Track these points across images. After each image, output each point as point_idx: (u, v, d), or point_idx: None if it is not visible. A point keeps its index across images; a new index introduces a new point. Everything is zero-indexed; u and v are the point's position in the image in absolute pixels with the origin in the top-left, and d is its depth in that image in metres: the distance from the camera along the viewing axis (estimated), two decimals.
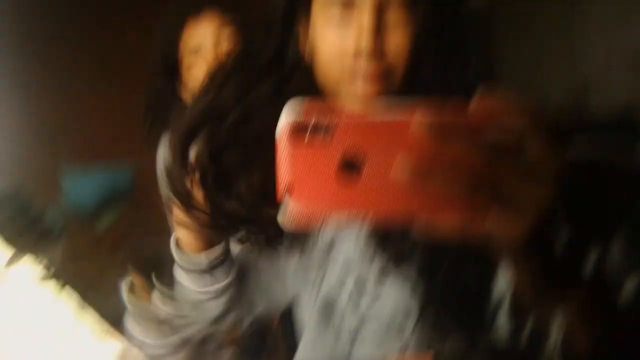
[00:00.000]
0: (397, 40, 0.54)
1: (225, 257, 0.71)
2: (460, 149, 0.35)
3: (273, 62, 0.61)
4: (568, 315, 0.43)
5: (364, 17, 0.53)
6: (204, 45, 1.02)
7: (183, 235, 0.69)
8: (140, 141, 1.15)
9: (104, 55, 2.39)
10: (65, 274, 1.21)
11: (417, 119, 0.36)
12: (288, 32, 0.60)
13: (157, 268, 0.73)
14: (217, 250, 0.69)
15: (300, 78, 0.60)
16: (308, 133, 0.37)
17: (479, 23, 0.59)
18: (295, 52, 0.60)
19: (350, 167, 0.37)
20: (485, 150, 0.35)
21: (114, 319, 0.91)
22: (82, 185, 1.52)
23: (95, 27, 2.39)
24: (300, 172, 0.38)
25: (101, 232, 1.36)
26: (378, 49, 0.53)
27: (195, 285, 0.70)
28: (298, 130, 0.37)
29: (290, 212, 0.38)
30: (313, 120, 0.37)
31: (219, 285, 0.70)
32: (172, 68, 1.07)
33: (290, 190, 0.38)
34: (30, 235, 1.23)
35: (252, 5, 0.96)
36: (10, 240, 1.09)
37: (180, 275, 0.71)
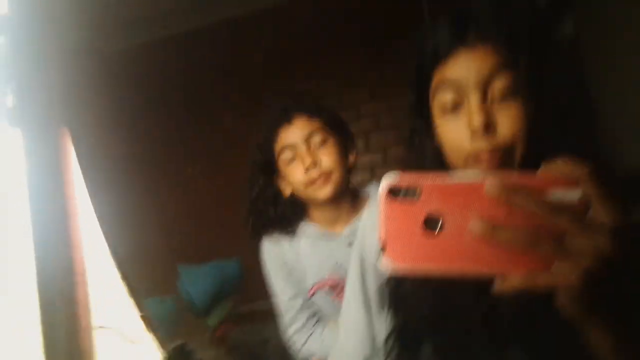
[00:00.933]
0: (507, 116, 0.60)
1: None
2: (525, 208, 0.41)
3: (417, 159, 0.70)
4: None
5: (471, 99, 0.61)
6: (296, 143, 1.14)
7: None
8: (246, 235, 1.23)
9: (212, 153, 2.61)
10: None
11: (489, 181, 0.42)
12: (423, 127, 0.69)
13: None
14: None
15: (438, 166, 0.67)
16: (400, 195, 0.45)
17: (581, 94, 0.63)
18: (433, 146, 0.67)
19: (433, 224, 0.44)
20: (548, 209, 0.41)
21: None
22: (196, 281, 1.60)
23: (203, 121, 2.64)
24: (393, 228, 0.45)
25: (213, 325, 1.38)
26: (488, 125, 0.60)
27: None
28: (393, 192, 0.45)
29: (386, 264, 0.44)
30: (404, 184, 0.45)
31: None
32: (270, 166, 1.19)
33: (384, 246, 0.45)
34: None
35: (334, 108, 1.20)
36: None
37: None
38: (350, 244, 1.11)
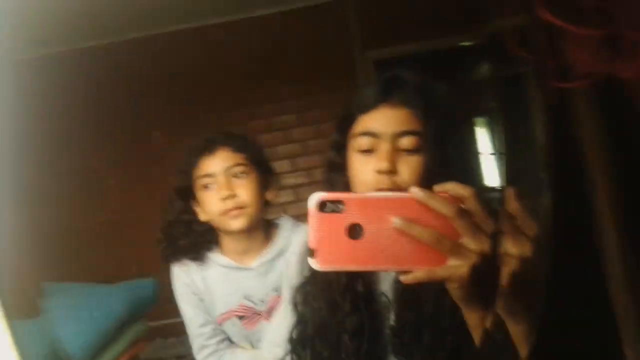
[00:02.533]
0: (407, 165, 0.76)
1: None
2: (438, 210, 0.54)
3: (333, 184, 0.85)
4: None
5: (382, 147, 0.76)
6: (215, 173, 1.16)
7: None
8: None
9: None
10: None
11: (413, 188, 0.55)
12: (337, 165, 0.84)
13: None
14: None
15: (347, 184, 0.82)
16: (326, 209, 0.55)
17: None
18: (343, 180, 0.83)
19: (356, 231, 0.54)
20: (454, 212, 0.53)
21: None
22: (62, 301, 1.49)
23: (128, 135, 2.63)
24: (321, 236, 0.55)
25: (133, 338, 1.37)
26: (391, 170, 0.75)
27: None
28: (321, 206, 0.55)
29: (315, 266, 0.54)
30: (330, 198, 0.55)
31: None
32: (187, 191, 1.21)
33: (314, 251, 0.55)
34: None
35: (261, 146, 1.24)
36: None
37: None
38: (259, 275, 1.18)
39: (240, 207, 1.14)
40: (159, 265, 1.29)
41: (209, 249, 1.23)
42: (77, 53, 2.64)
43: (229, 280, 1.22)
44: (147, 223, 1.40)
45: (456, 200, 0.55)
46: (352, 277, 0.82)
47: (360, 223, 0.55)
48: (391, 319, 0.81)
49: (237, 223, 1.15)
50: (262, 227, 1.21)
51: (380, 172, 0.75)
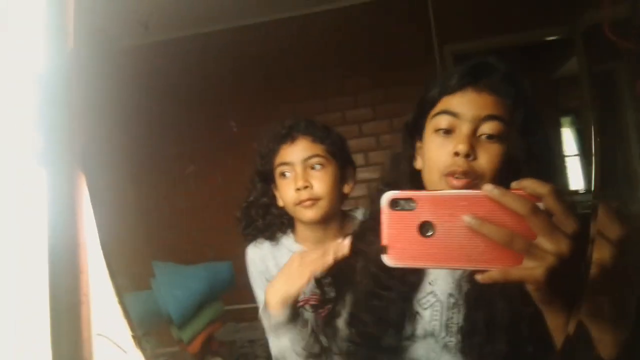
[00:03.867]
0: (486, 152, 0.74)
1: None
2: (512, 207, 0.52)
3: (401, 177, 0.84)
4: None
5: (463, 129, 0.74)
6: (294, 162, 1.19)
7: None
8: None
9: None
10: None
11: (486, 185, 0.54)
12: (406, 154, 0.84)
13: None
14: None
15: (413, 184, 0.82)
16: (399, 207, 0.56)
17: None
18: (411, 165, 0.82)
19: (427, 228, 0.55)
20: (529, 211, 0.51)
21: None
22: (180, 284, 1.62)
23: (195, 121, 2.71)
24: (393, 233, 0.56)
25: (186, 339, 1.45)
26: (469, 154, 0.73)
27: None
28: (392, 204, 0.57)
29: (387, 262, 0.56)
30: (402, 197, 0.56)
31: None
32: (267, 175, 1.25)
33: (385, 250, 0.56)
34: None
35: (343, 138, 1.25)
36: None
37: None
38: None
39: (314, 199, 1.15)
40: (235, 251, 1.34)
41: (284, 232, 1.25)
42: (158, 45, 2.76)
43: None
44: (223, 209, 1.45)
45: (533, 198, 0.53)
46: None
47: (432, 221, 0.55)
48: (459, 319, 0.78)
49: (310, 214, 1.16)
50: (338, 219, 1.21)
51: (457, 154, 0.73)
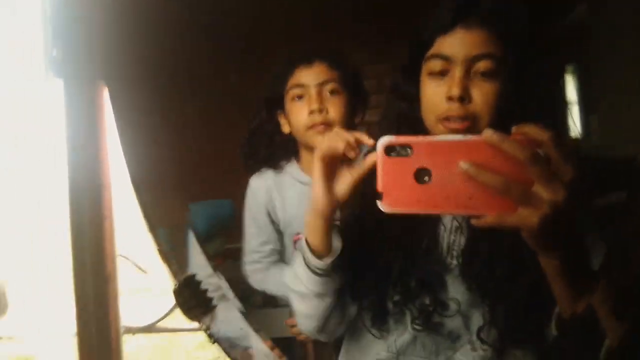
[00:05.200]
0: (481, 92, 0.70)
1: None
2: (511, 153, 0.50)
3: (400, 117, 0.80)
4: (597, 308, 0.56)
5: (456, 72, 0.70)
6: (309, 85, 1.14)
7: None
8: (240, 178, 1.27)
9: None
10: None
11: (485, 130, 0.52)
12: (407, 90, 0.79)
13: None
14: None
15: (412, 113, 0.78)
16: (394, 153, 0.53)
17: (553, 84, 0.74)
18: (411, 96, 0.78)
19: (424, 175, 0.53)
20: (528, 157, 0.49)
21: None
22: (198, 216, 1.63)
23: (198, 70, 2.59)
24: (388, 180, 0.54)
25: (213, 253, 1.45)
26: (463, 97, 0.69)
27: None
28: (388, 149, 0.54)
29: (383, 208, 0.54)
30: (398, 143, 0.53)
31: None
32: (276, 103, 1.20)
33: (380, 196, 0.54)
34: None
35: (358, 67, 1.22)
36: None
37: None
38: None
39: (327, 124, 1.10)
40: (234, 194, 1.32)
41: (288, 159, 1.21)
42: None
43: (307, 199, 1.21)
44: (223, 154, 1.41)
45: (532, 144, 0.51)
46: None
47: (428, 167, 0.53)
48: (461, 240, 0.78)
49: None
50: None
51: (451, 98, 0.69)
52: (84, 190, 0.90)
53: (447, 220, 0.80)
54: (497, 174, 0.50)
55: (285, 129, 1.19)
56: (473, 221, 0.53)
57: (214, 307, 0.97)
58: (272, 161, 1.23)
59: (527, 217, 0.50)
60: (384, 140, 0.54)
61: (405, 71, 0.82)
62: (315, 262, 0.79)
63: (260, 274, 1.27)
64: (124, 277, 1.03)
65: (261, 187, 1.25)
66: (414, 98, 0.78)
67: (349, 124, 1.16)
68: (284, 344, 1.33)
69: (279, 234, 1.28)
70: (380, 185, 0.54)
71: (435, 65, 0.72)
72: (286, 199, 1.23)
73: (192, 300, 0.94)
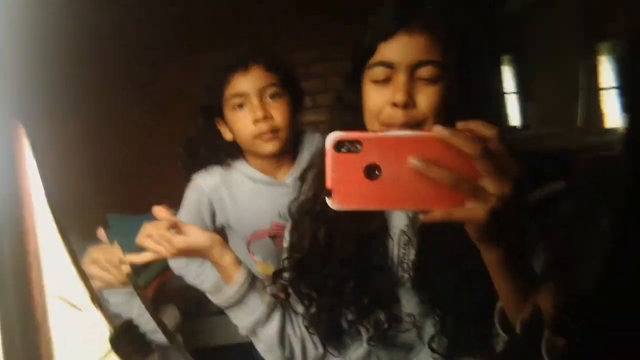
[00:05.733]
0: (425, 96, 0.69)
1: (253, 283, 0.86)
2: (461, 147, 0.53)
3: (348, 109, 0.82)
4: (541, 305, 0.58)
5: (399, 78, 0.72)
6: (249, 93, 1.13)
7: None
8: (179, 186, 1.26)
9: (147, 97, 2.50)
10: None
11: (436, 126, 0.54)
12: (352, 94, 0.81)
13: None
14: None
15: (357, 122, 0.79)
16: (344, 149, 0.55)
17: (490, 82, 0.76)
18: (356, 105, 0.80)
19: (373, 171, 0.55)
20: (478, 151, 0.52)
21: None
22: (127, 233, 1.56)
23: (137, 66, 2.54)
24: (337, 176, 0.55)
25: (144, 284, 1.42)
26: (407, 103, 0.72)
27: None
28: (337, 145, 0.55)
29: (332, 205, 0.55)
30: (347, 139, 0.55)
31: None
32: (214, 111, 1.18)
33: (329, 193, 0.55)
34: None
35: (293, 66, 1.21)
36: None
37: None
38: (297, 191, 1.14)
39: (274, 131, 1.12)
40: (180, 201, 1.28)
41: (234, 158, 1.20)
42: None
43: (261, 196, 1.20)
44: (168, 159, 1.38)
45: (480, 139, 0.53)
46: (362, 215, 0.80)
47: (378, 163, 0.54)
48: (411, 254, 0.81)
49: (270, 147, 1.13)
50: (290, 146, 1.19)
51: (395, 104, 0.72)
52: (6, 238, 0.85)
53: (396, 235, 0.81)
54: (446, 169, 0.53)
55: (228, 136, 1.19)
56: (421, 216, 0.56)
57: (153, 351, 0.94)
58: (217, 159, 1.23)
59: (474, 210, 0.54)
60: (334, 136, 0.55)
61: (347, 79, 0.82)
62: (230, 290, 0.84)
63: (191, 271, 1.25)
64: (59, 319, 0.98)
65: (208, 185, 1.23)
66: (357, 107, 0.78)
67: (293, 124, 1.18)
68: (241, 350, 1.32)
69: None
70: (329, 182, 0.56)
71: (379, 73, 0.75)
72: (238, 196, 1.22)
73: (130, 346, 0.91)
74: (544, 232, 0.75)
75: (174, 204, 1.35)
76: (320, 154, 0.64)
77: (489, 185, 0.53)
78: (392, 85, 0.74)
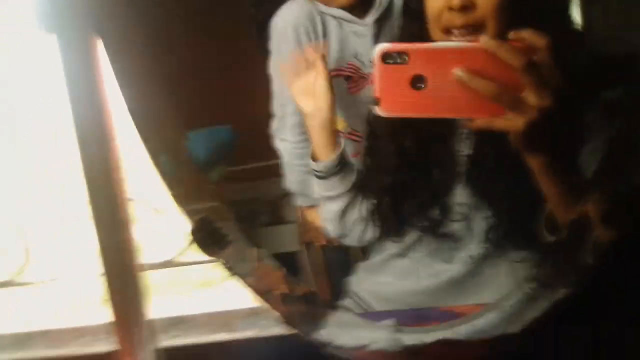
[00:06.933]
0: None
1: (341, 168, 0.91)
2: (507, 59, 0.52)
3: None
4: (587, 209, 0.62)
5: None
6: None
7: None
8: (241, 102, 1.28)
9: None
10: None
11: (482, 37, 0.54)
12: None
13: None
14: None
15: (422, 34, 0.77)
16: (391, 60, 0.56)
17: None
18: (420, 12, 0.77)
19: (419, 81, 0.56)
20: (522, 63, 0.52)
21: None
22: (196, 143, 1.62)
23: None
24: (385, 86, 0.56)
25: (215, 180, 1.47)
26: (466, 6, 0.68)
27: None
28: (385, 57, 0.56)
29: (379, 113, 0.57)
30: (394, 50, 0.56)
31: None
32: None
33: (377, 102, 0.57)
34: None
35: None
36: None
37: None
38: (372, 35, 1.08)
39: None
40: (235, 115, 1.33)
41: None
42: None
43: (342, 33, 1.10)
44: (223, 73, 1.39)
45: (529, 50, 0.53)
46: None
47: (424, 74, 0.55)
48: (468, 149, 0.83)
49: None
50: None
51: (452, 8, 0.69)
52: (92, 142, 0.94)
53: (457, 132, 0.83)
54: (489, 81, 0.54)
55: None
56: (465, 125, 0.58)
57: (230, 242, 1.03)
58: None
59: (514, 121, 0.55)
60: (381, 47, 0.57)
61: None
62: (316, 165, 0.90)
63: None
64: (142, 219, 1.09)
65: (302, 10, 1.09)
66: (421, 15, 0.78)
67: None
68: (291, 258, 1.34)
69: None
70: (377, 91, 0.57)
71: None
72: (318, 31, 1.10)
73: (208, 239, 1.01)
74: (598, 134, 0.74)
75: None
76: None
77: (530, 97, 0.53)
78: None
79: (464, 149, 0.83)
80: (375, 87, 0.58)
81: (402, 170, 0.86)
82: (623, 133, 0.72)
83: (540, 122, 0.54)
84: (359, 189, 0.93)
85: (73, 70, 0.92)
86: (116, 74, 0.97)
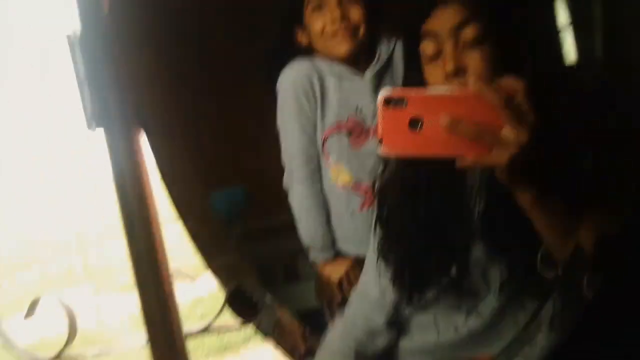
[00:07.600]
0: (474, 60, 0.77)
1: None
2: (492, 99, 0.60)
3: None
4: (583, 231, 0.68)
5: (447, 47, 0.78)
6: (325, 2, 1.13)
7: None
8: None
9: None
10: None
11: (471, 80, 0.63)
12: None
13: None
14: None
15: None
16: (392, 103, 0.64)
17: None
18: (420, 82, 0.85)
19: (416, 123, 0.64)
20: (503, 102, 0.59)
21: None
22: (218, 202, 1.68)
23: None
24: (387, 127, 0.64)
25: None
26: (458, 69, 0.76)
27: None
28: (387, 101, 0.64)
29: (381, 152, 0.65)
30: (395, 95, 0.64)
31: None
32: (293, 15, 1.17)
33: (380, 140, 0.65)
34: None
35: None
36: None
37: None
38: (373, 90, 1.17)
39: (349, 29, 1.13)
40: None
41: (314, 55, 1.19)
42: None
43: (343, 88, 1.19)
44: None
45: (508, 92, 0.61)
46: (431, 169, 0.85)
47: (420, 116, 0.63)
48: (480, 205, 0.86)
49: (344, 47, 1.14)
50: (364, 49, 1.18)
51: (447, 74, 0.76)
52: (135, 225, 1.02)
53: (469, 188, 0.87)
54: (471, 124, 0.61)
55: (304, 40, 1.19)
56: (457, 163, 0.64)
57: (260, 309, 1.10)
58: (300, 55, 1.19)
59: (498, 156, 0.61)
60: (384, 93, 0.65)
61: (407, 59, 0.90)
62: None
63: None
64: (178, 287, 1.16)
65: (301, 71, 1.19)
66: (422, 84, 0.85)
67: (369, 27, 1.15)
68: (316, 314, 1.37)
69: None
70: (379, 133, 0.65)
71: (428, 47, 0.79)
72: (322, 88, 1.19)
73: (241, 306, 1.08)
74: (586, 164, 0.78)
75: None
76: None
77: (509, 133, 0.60)
78: (442, 57, 0.78)
79: (476, 205, 0.87)
80: (378, 129, 0.65)
81: (418, 238, 0.89)
82: (611, 162, 0.78)
83: (522, 157, 0.59)
84: (378, 259, 0.95)
85: (118, 158, 1.01)
86: (155, 153, 1.07)
